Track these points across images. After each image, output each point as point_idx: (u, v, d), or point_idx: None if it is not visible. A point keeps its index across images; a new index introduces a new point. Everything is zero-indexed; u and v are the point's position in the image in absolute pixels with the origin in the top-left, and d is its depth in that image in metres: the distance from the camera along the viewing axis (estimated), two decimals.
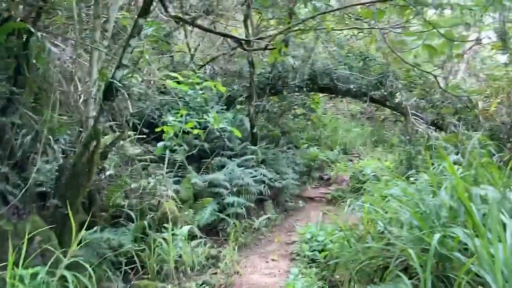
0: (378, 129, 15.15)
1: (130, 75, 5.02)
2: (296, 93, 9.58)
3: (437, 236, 2.80)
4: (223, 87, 4.99)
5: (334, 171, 11.11)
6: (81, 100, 5.48)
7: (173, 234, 4.99)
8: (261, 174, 7.48)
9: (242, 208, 6.64)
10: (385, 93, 8.68)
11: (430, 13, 7.97)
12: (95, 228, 4.38)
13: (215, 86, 4.94)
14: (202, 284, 4.58)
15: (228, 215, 6.52)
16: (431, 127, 8.03)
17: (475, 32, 9.33)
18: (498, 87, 8.41)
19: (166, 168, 6.24)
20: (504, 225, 2.65)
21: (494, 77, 8.79)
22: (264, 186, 7.37)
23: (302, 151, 11.21)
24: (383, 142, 14.72)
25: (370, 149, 14.00)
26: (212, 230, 6.34)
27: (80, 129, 5.12)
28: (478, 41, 9.33)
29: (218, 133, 7.60)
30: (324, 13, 6.36)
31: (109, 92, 4.61)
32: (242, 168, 7.24)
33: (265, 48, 6.36)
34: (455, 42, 7.58)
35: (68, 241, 3.74)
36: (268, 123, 10.94)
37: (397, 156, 9.01)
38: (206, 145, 7.49)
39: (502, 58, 9.86)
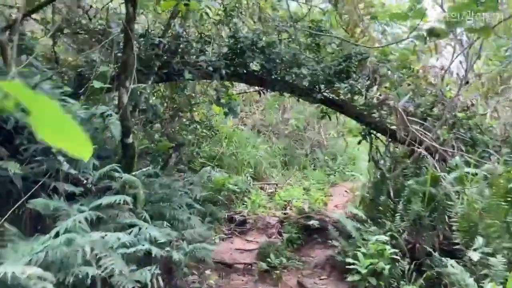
0: (288, 147, 11.87)
1: None
2: (206, 80, 5.58)
3: None
4: None
5: (249, 207, 7.29)
6: None
7: None
8: (145, 238, 3.26)
9: None
10: (357, 87, 5.22)
11: None
12: None
13: None
14: None
15: None
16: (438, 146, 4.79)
17: None
18: None
19: None
20: None
21: None
22: (155, 267, 3.15)
23: (201, 176, 7.08)
24: (295, 164, 11.48)
25: (282, 172, 10.62)
26: None
27: None
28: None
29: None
30: None
31: None
32: (101, 230, 2.93)
33: None
34: None
35: None
36: (150, 128, 6.63)
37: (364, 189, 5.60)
38: (14, 168, 3.04)
39: None
